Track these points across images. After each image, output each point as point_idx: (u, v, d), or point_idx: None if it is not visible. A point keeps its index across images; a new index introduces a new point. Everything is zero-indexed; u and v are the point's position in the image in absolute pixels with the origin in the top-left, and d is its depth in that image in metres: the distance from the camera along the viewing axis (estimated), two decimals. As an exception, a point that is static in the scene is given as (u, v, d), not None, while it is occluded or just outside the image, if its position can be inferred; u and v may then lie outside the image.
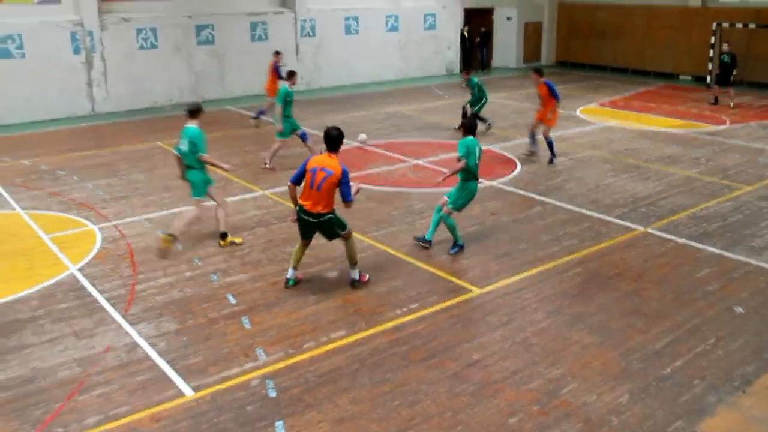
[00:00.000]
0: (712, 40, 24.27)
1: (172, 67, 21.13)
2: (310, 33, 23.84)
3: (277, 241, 9.75)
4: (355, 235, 9.94)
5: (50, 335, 7.26)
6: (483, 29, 29.33)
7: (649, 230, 10.26)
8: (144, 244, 9.73)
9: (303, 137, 13.35)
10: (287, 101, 13.11)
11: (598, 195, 11.98)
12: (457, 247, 9.33)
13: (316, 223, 7.88)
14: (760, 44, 23.89)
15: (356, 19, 24.95)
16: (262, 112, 17.71)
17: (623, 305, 7.92)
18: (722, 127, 17.79)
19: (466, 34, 28.53)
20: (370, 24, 25.35)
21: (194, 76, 21.66)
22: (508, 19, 29.89)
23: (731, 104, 20.47)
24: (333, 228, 7.96)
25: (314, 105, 20.65)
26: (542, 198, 11.78)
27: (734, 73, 20.39)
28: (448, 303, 7.91)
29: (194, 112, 9.25)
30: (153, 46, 20.74)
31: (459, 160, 9.00)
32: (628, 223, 10.53)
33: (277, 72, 17.30)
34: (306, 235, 8.11)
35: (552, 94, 13.68)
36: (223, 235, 9.62)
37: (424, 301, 7.96)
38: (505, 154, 14.80)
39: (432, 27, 27.31)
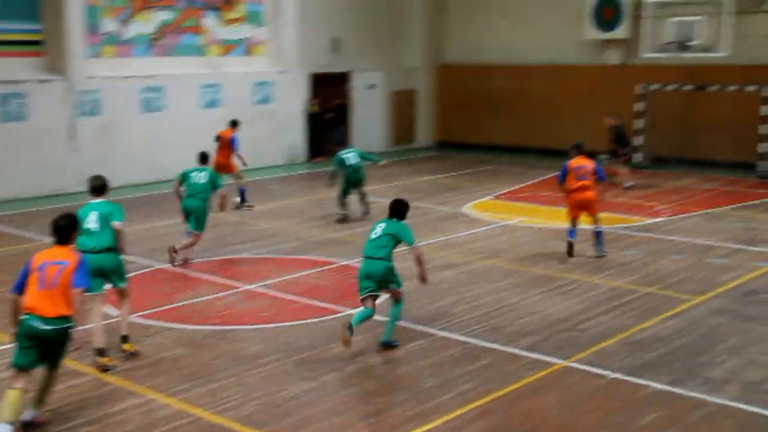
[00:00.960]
0: (637, 107, 26.12)
1: None
2: (93, 111, 23.62)
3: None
4: (157, 396, 9.61)
5: None
6: (338, 102, 30.11)
7: (570, 364, 10.49)
8: None
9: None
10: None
11: (499, 320, 12.20)
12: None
13: (53, 335, 8.25)
14: (698, 111, 25.90)
15: (159, 90, 25.01)
16: (242, 192, 20.86)
17: (541, 472, 7.94)
18: (657, 219, 18.90)
19: (315, 109, 29.09)
20: (179, 97, 25.45)
21: None
22: (371, 87, 30.92)
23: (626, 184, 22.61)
24: (65, 344, 8.48)
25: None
26: (424, 328, 11.86)
27: (619, 151, 22.81)
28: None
29: (101, 188, 11.01)
30: None
31: None
32: (542, 356, 10.73)
33: (233, 145, 20.59)
34: (31, 360, 8.32)
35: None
36: (125, 338, 10.82)
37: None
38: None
39: (266, 100, 27.78)
